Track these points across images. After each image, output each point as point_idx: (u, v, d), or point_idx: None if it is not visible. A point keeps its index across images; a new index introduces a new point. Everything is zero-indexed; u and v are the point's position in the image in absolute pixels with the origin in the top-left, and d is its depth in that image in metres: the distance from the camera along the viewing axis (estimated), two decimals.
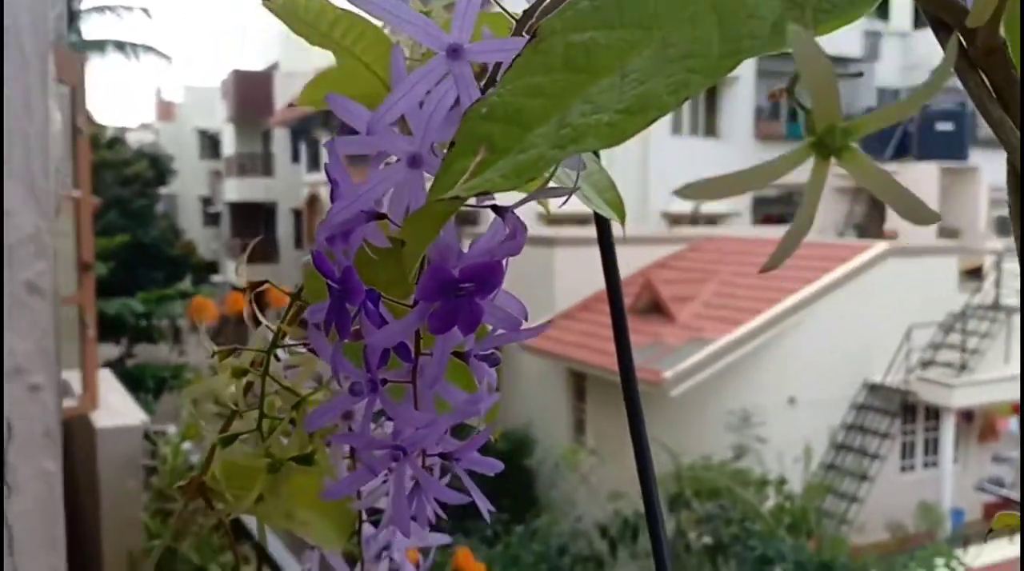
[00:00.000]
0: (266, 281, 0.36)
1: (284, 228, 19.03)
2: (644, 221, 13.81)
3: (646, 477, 0.49)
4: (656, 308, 9.44)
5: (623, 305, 0.44)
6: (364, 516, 0.41)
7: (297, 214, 18.85)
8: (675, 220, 13.59)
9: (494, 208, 0.26)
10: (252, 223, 18.64)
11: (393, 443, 0.24)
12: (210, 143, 21.74)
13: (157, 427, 3.05)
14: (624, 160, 13.66)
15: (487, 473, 0.28)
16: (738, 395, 8.11)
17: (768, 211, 14.79)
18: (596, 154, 0.39)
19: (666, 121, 14.29)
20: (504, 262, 0.25)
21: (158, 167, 16.65)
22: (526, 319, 0.26)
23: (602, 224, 0.49)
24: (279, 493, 0.33)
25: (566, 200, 0.28)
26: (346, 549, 0.44)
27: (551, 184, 0.33)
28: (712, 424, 7.93)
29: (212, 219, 21.25)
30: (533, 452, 9.63)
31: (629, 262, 10.50)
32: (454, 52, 0.23)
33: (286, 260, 18.71)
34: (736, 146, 14.40)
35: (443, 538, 0.44)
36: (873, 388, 8.87)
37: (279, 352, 0.36)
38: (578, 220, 13.55)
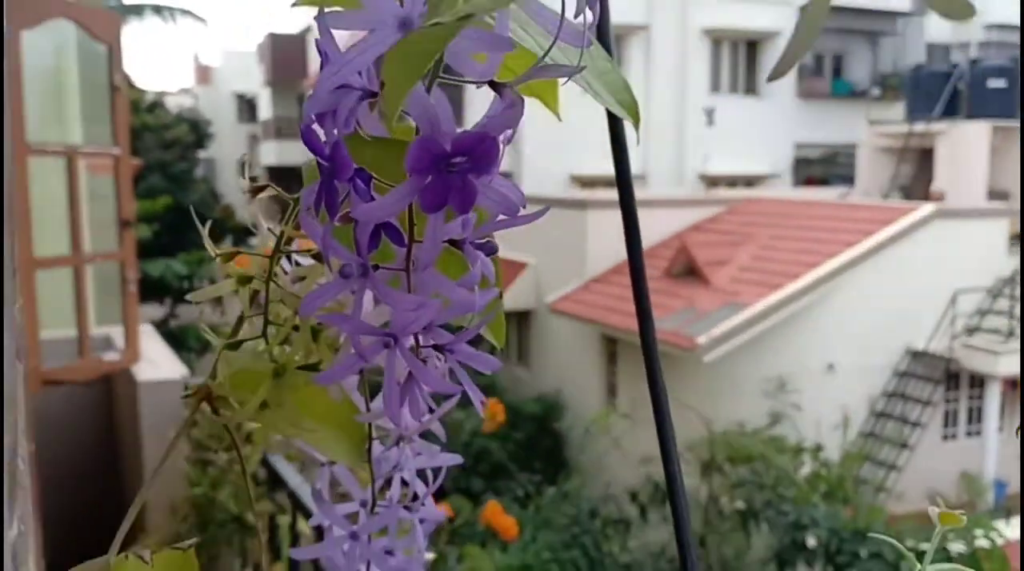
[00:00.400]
0: (268, 185, 0.35)
1: None
2: (680, 183, 13.62)
3: (666, 443, 0.48)
4: (691, 272, 9.33)
5: (643, 267, 0.42)
6: (374, 434, 0.41)
7: None
8: (712, 182, 13.38)
9: (491, 84, 0.24)
10: (289, 186, 18.75)
11: (384, 329, 0.23)
12: (247, 107, 21.86)
13: (197, 381, 3.12)
14: (660, 120, 13.45)
15: (483, 371, 0.27)
16: (774, 361, 8.03)
17: (810, 172, 14.48)
18: (611, 53, 0.37)
19: (703, 79, 14.05)
20: (501, 140, 0.23)
21: (197, 131, 16.81)
22: (524, 207, 0.25)
23: (623, 179, 0.47)
24: (284, 401, 0.33)
25: (566, 81, 0.27)
26: (357, 470, 0.43)
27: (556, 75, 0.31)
28: (747, 391, 7.87)
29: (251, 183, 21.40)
30: (563, 416, 9.67)
31: (663, 225, 10.38)
32: None
33: None
34: (777, 104, 14.08)
35: (454, 458, 0.43)
36: (916, 355, 8.72)
37: (286, 262, 0.35)
38: (612, 182, 13.41)
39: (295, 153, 19.04)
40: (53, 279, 2.78)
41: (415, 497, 0.42)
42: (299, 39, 18.96)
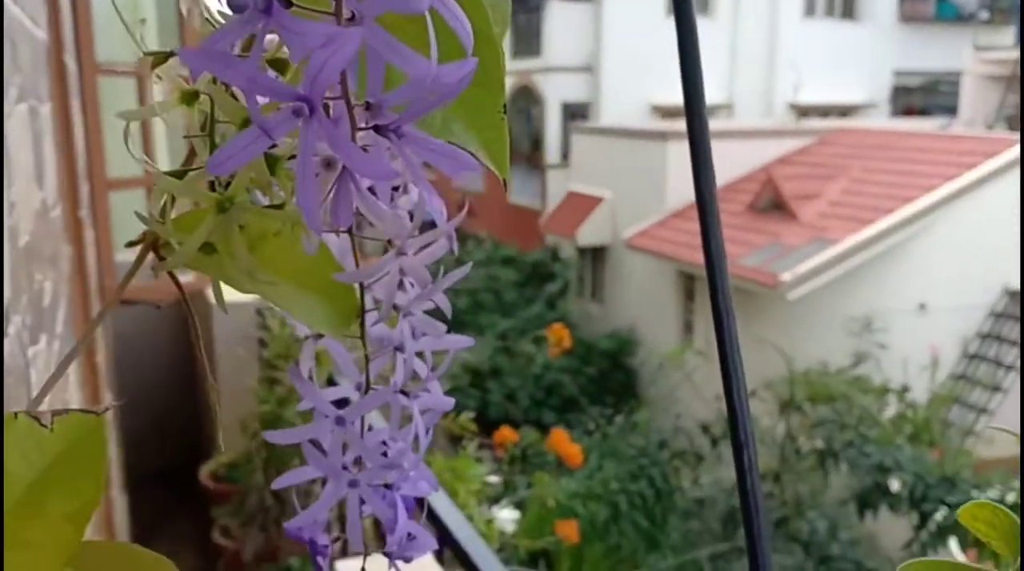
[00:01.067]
0: None
1: None
2: (768, 113, 13.05)
3: (730, 383, 0.40)
4: (777, 206, 9.00)
5: (715, 199, 0.34)
6: (367, 305, 0.34)
7: None
8: (803, 112, 12.78)
9: None
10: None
11: (292, 89, 0.16)
12: None
13: (267, 304, 3.17)
14: (749, 45, 12.85)
15: (449, 172, 0.20)
16: (862, 300, 7.72)
17: (909, 102, 13.67)
18: None
19: (796, 1, 13.29)
20: None
21: None
22: None
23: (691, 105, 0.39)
24: (233, 244, 0.26)
25: None
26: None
27: None
28: (831, 330, 7.61)
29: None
30: (637, 353, 9.58)
31: (749, 157, 10.01)
32: None
33: None
34: (877, 29, 13.25)
35: (463, 340, 0.37)
36: (1014, 295, 8.25)
37: None
38: None
39: None
40: (129, 201, 2.83)
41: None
42: None
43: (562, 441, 2.51)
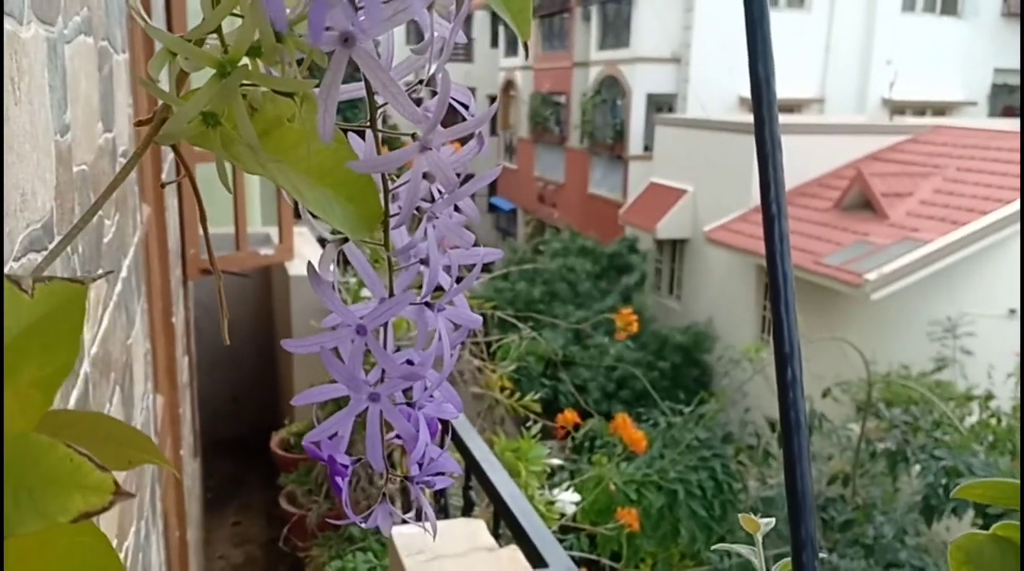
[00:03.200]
0: None
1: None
2: (862, 108, 12.60)
3: (785, 383, 0.37)
4: (866, 204, 8.70)
5: (782, 188, 0.32)
6: (391, 210, 0.33)
7: (492, 100, 18.95)
8: (898, 108, 12.28)
9: None
10: (449, 108, 18.99)
11: None
12: (415, 28, 22.11)
13: (343, 279, 3.22)
14: (845, 40, 12.42)
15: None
16: (949, 303, 7.39)
17: (1009, 101, 12.98)
18: None
19: None
20: None
21: None
22: None
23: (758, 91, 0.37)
24: (236, 113, 0.25)
25: None
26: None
27: None
28: (915, 332, 7.31)
29: (416, 104, 21.91)
30: (713, 348, 9.40)
31: (839, 153, 9.71)
32: None
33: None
34: (979, 25, 12.63)
35: (493, 252, 0.35)
36: None
37: None
38: (783, 106, 12.61)
39: (457, 75, 19.11)
40: (211, 172, 2.92)
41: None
42: None
43: (626, 426, 2.48)
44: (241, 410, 3.69)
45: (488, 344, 2.43)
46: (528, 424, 2.36)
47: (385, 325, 0.34)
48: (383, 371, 0.34)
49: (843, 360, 6.38)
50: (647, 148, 12.83)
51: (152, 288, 1.46)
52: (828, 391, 6.57)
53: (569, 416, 2.49)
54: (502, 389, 2.29)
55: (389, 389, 0.33)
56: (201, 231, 0.39)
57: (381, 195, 0.32)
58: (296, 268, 3.23)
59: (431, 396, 0.36)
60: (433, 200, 0.34)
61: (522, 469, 2.17)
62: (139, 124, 0.29)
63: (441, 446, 0.38)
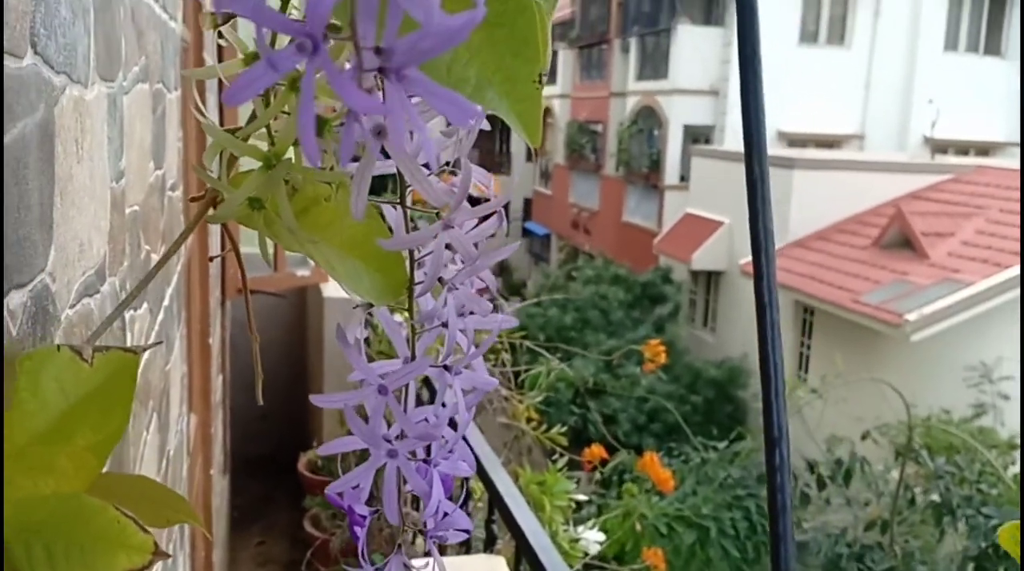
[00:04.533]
0: None
1: (518, 140, 19.42)
2: (902, 146, 12.48)
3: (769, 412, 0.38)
4: (906, 243, 8.58)
5: (769, 207, 0.34)
6: (415, 277, 0.35)
7: None
8: (939, 147, 12.13)
9: None
10: (487, 134, 19.20)
11: (300, 24, 0.17)
12: None
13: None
14: (885, 77, 12.34)
15: (451, 117, 0.20)
16: (991, 346, 7.23)
17: None
18: None
19: (939, 34, 12.70)
20: None
21: None
22: None
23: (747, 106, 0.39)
24: (278, 199, 0.27)
25: None
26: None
27: None
28: (955, 376, 7.16)
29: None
30: (748, 384, 9.29)
31: (878, 191, 9.60)
32: None
33: (517, 171, 19.14)
34: None
35: (508, 320, 0.37)
36: None
37: None
38: (822, 142, 12.52)
39: None
40: None
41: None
42: None
43: (653, 464, 2.46)
44: (272, 428, 3.73)
45: (516, 373, 2.44)
46: (554, 457, 2.36)
47: (406, 385, 0.36)
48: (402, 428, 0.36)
49: (882, 401, 6.26)
50: (683, 178, 12.82)
51: (192, 312, 1.50)
52: (867, 434, 6.44)
53: (596, 451, 2.48)
54: (528, 420, 2.29)
55: (407, 448, 0.35)
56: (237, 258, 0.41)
57: (407, 263, 0.35)
58: (330, 290, 3.28)
59: (448, 453, 0.38)
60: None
61: (547, 503, 2.16)
62: (193, 200, 0.31)
63: (463, 491, 0.40)
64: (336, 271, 0.31)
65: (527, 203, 19.30)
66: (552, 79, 17.44)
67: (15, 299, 0.33)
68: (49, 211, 0.38)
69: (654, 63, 13.57)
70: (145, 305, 0.75)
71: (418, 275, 0.35)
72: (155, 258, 0.80)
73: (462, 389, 0.37)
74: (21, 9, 0.34)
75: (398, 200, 0.33)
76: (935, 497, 5.40)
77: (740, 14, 0.33)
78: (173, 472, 1.06)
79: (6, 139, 0.32)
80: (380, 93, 0.20)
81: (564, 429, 2.33)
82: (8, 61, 0.33)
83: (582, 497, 2.27)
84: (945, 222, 8.62)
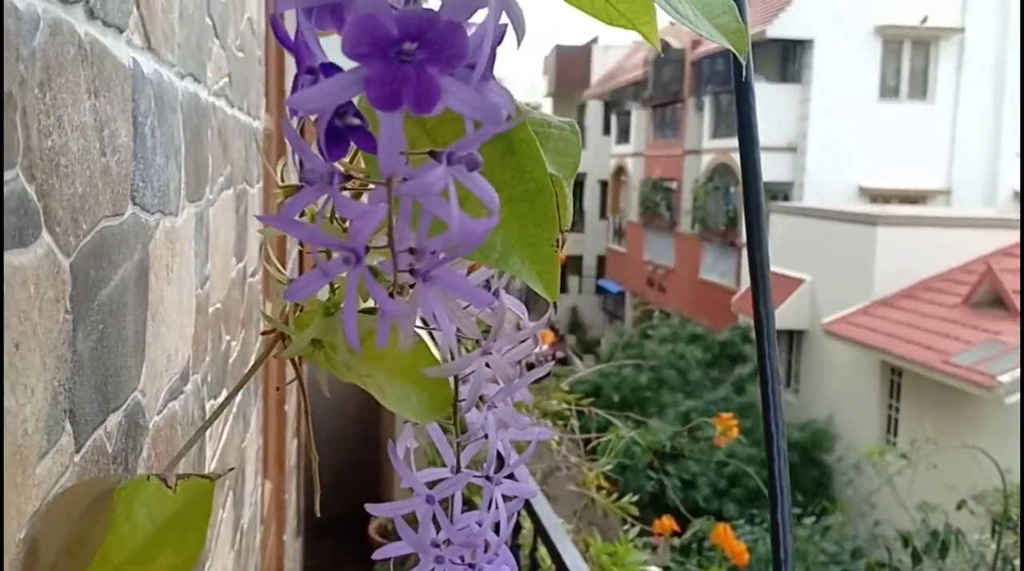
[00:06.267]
0: None
1: (591, 198, 19.54)
2: (992, 201, 12.05)
3: (772, 454, 0.40)
4: (997, 301, 8.23)
5: (766, 244, 0.37)
6: (460, 396, 0.38)
7: (603, 185, 19.20)
8: None
9: None
10: None
11: (344, 241, 0.21)
12: None
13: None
14: (971, 131, 12.01)
15: (477, 306, 0.23)
16: None
17: None
18: None
19: None
20: (484, 33, 0.20)
21: None
22: (511, 115, 0.21)
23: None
24: (336, 340, 0.31)
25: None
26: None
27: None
28: None
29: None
30: (833, 448, 8.95)
31: (967, 247, 9.27)
32: None
33: (590, 228, 19.20)
34: None
35: (545, 431, 0.40)
36: None
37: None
38: (906, 198, 12.20)
39: None
40: None
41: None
42: (583, 50, 19.47)
43: (727, 537, 2.40)
44: (345, 488, 3.79)
45: (587, 440, 2.44)
46: (626, 526, 2.33)
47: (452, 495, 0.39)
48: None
49: (975, 467, 5.95)
50: None
51: (268, 384, 1.57)
52: (963, 503, 6.11)
53: (667, 523, 2.43)
54: (599, 488, 2.28)
55: (452, 555, 0.38)
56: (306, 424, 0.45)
57: (452, 382, 0.38)
58: None
59: (494, 555, 0.41)
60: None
61: None
62: (264, 334, 0.36)
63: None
64: (386, 396, 0.35)
65: (600, 260, 19.30)
66: (625, 138, 17.57)
67: (112, 421, 0.38)
68: (143, 336, 0.43)
69: (728, 120, 13.56)
70: (224, 393, 0.81)
71: (463, 391, 0.39)
72: (235, 346, 0.86)
73: (503, 496, 0.40)
74: (122, 172, 0.40)
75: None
76: None
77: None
78: (247, 544, 1.10)
79: (107, 290, 0.37)
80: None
81: (635, 498, 2.30)
82: (110, 220, 0.38)
83: (654, 570, 2.22)
84: None
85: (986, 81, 12.14)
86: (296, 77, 0.21)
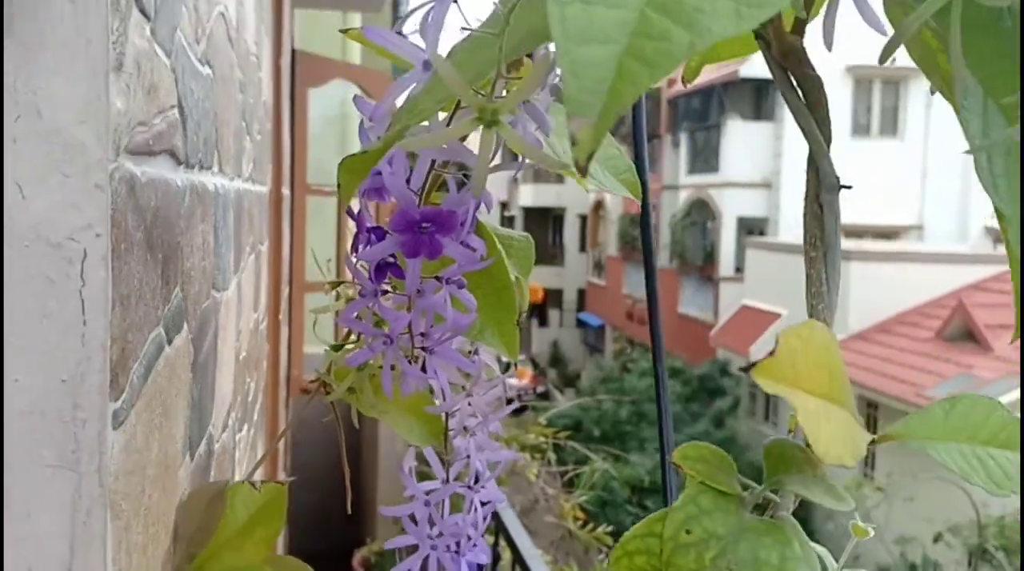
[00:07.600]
0: None
1: (571, 232, 19.81)
2: (964, 236, 12.38)
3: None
4: (969, 335, 8.46)
5: (655, 268, 0.51)
6: (449, 427, 0.52)
7: (583, 219, 19.48)
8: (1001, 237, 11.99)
9: (464, 175, 0.36)
10: (542, 226, 19.67)
11: (381, 331, 0.35)
12: (510, 152, 23.22)
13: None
14: (942, 168, 12.37)
15: (462, 368, 0.38)
16: None
17: None
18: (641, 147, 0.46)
19: None
20: (466, 210, 0.34)
21: (467, 175, 18.20)
22: (480, 259, 0.35)
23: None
24: (364, 388, 0.45)
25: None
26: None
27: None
28: None
29: (508, 222, 22.78)
30: None
31: (938, 282, 9.52)
32: None
33: (570, 262, 19.43)
34: None
35: (513, 455, 0.54)
36: None
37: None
38: (879, 233, 12.52)
39: (549, 195, 19.90)
40: (320, 300, 3.22)
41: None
42: None
43: None
44: (329, 523, 3.87)
45: (563, 473, 2.56)
46: (602, 555, 2.44)
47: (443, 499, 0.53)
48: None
49: (952, 501, 6.10)
50: (738, 270, 12.89)
51: (269, 419, 1.69)
52: (940, 535, 6.25)
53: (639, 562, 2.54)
54: (575, 519, 2.39)
55: (444, 543, 0.52)
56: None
57: (443, 417, 0.52)
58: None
59: (473, 546, 0.55)
60: None
61: None
62: (304, 392, 0.49)
63: None
64: (398, 426, 0.49)
65: (580, 294, 19.53)
66: None
67: (202, 447, 0.52)
68: (213, 385, 0.57)
69: (705, 157, 13.88)
70: (246, 427, 0.94)
71: (451, 423, 0.53)
72: (253, 387, 1.00)
73: (480, 501, 0.54)
74: (208, 267, 0.54)
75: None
76: None
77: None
78: None
79: (203, 355, 0.52)
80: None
81: (610, 529, 2.42)
82: (205, 304, 0.53)
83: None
84: (1009, 314, 8.44)
85: (954, 118, 12.52)
86: (356, 234, 0.36)
